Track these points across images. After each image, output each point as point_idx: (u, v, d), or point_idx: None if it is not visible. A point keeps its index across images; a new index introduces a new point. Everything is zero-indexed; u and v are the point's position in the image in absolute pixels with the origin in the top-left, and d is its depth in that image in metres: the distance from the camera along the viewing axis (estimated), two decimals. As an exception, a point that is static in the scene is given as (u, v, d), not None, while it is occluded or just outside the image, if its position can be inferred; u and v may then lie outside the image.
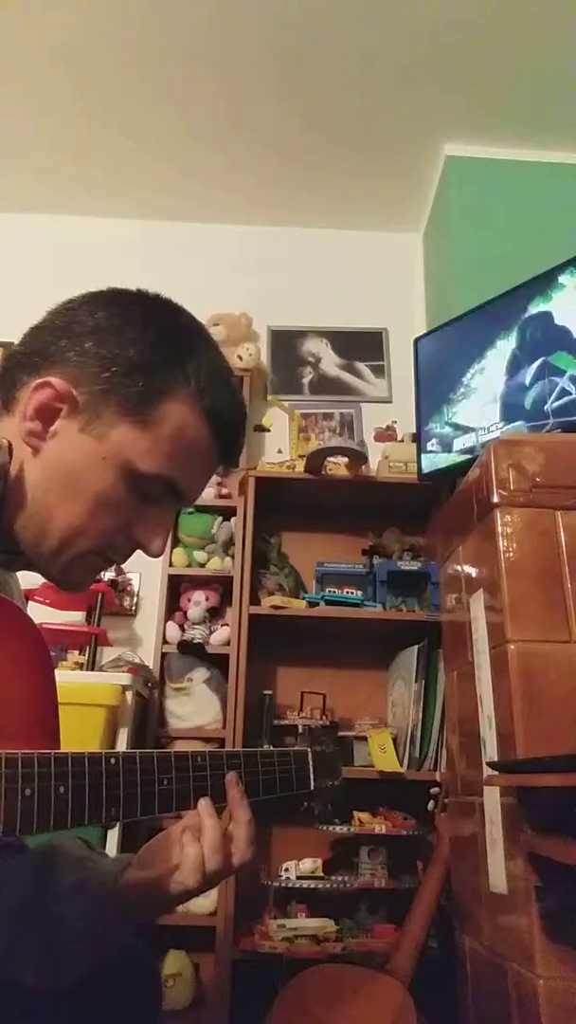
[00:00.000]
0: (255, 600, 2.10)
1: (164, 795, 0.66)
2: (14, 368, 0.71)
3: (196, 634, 2.14)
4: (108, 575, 2.23)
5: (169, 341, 0.72)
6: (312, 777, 0.82)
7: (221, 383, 0.74)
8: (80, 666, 2.03)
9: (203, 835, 0.68)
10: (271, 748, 0.82)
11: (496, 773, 1.12)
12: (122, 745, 1.80)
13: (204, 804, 0.68)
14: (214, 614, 2.24)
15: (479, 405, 1.79)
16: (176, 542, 2.26)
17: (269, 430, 2.59)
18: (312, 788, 0.81)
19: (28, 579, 0.76)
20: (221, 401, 0.73)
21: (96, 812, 0.60)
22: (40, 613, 2.02)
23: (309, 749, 0.83)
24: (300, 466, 2.19)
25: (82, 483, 0.68)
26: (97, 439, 0.68)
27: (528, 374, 1.68)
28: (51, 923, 0.66)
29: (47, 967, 0.67)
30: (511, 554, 1.24)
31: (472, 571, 1.42)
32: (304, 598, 2.10)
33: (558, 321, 1.65)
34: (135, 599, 2.34)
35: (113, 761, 0.63)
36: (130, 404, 0.69)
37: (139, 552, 0.75)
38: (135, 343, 0.70)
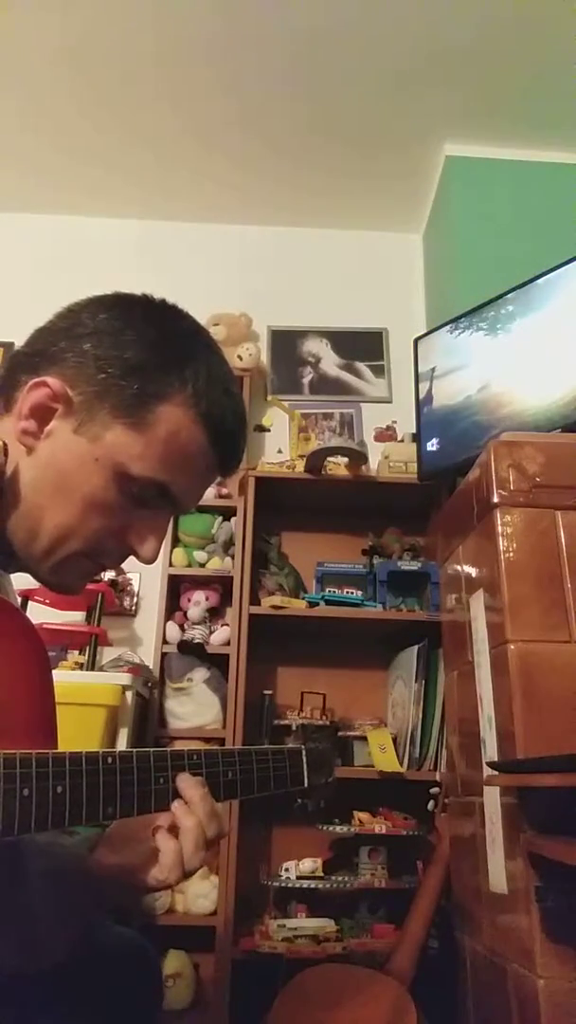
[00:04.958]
0: (255, 600, 2.10)
1: (161, 793, 0.66)
2: (16, 369, 0.71)
3: (196, 634, 2.14)
4: (108, 575, 2.23)
5: (168, 345, 0.71)
6: (306, 774, 0.82)
7: (220, 389, 0.72)
8: (80, 666, 2.03)
9: (181, 834, 0.67)
10: (267, 746, 0.82)
11: (496, 773, 1.12)
12: (122, 745, 1.80)
13: (177, 805, 0.67)
14: (214, 614, 2.24)
15: (479, 404, 1.79)
16: (176, 542, 2.26)
17: (269, 430, 2.59)
18: (306, 785, 0.81)
19: (29, 579, 0.76)
20: (218, 406, 0.72)
21: (94, 811, 0.61)
22: (40, 613, 2.03)
23: (303, 746, 0.83)
24: (300, 466, 2.19)
25: (73, 483, 0.68)
26: (90, 440, 0.68)
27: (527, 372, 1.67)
28: (20, 913, 0.65)
29: (27, 955, 0.66)
30: (511, 554, 1.24)
31: (472, 571, 1.42)
32: (304, 598, 2.10)
33: (557, 321, 1.65)
34: (135, 599, 2.34)
35: (111, 760, 0.63)
36: (124, 406, 0.68)
37: None
38: (132, 345, 0.69)
